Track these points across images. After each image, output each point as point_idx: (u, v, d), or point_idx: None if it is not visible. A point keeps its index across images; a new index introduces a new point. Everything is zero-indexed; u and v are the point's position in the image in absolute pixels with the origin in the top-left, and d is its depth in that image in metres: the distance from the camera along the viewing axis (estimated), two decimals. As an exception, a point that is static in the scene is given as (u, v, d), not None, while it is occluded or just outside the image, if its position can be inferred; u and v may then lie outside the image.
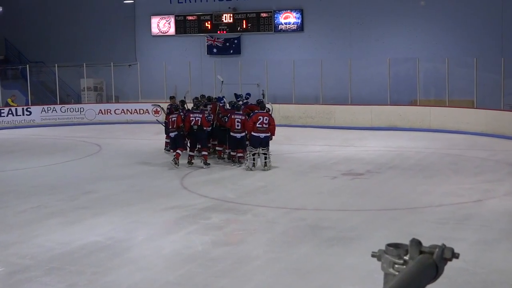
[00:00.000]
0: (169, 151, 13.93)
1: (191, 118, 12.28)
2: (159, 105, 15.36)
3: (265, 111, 11.91)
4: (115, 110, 22.39)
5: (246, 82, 21.07)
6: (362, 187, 10.02)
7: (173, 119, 12.32)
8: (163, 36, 24.63)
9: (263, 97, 19.65)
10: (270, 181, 10.71)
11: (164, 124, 13.39)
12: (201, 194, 9.53)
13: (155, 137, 17.16)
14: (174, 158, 12.10)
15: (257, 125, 11.62)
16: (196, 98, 14.00)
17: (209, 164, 12.21)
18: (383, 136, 17.41)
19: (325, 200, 9.12)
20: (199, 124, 12.19)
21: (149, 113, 21.91)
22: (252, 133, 11.63)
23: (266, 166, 11.71)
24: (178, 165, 11.98)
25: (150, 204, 8.90)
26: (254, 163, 11.70)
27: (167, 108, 14.15)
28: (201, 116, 12.25)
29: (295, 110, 20.17)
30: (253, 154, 11.71)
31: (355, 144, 15.70)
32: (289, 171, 11.69)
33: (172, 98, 14.85)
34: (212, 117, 12.45)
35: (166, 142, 14.39)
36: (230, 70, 22.97)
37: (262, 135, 11.64)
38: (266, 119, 11.66)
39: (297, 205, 8.72)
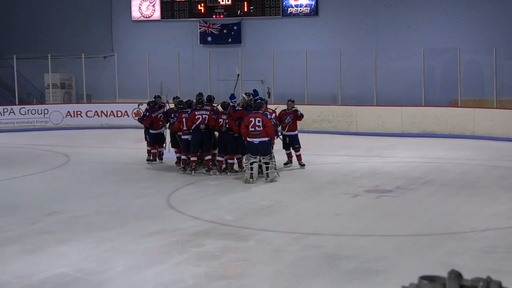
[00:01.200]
0: (150, 161, 14.35)
1: (196, 116, 12.76)
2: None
3: (262, 111, 12.12)
4: (86, 112, 22.55)
5: (248, 78, 21.18)
6: (391, 207, 10.04)
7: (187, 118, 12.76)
8: (146, 21, 24.81)
9: (268, 96, 20.17)
10: (277, 199, 10.74)
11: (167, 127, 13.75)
12: (192, 216, 9.55)
13: (136, 145, 17.16)
14: (190, 167, 12.81)
15: (250, 129, 11.92)
16: (177, 97, 14.37)
17: (213, 169, 12.83)
18: (416, 144, 17.47)
19: (344, 223, 9.14)
20: (206, 122, 12.69)
21: (128, 116, 22.01)
22: (247, 138, 11.93)
23: (268, 177, 11.97)
24: (211, 171, 12.74)
25: (130, 228, 8.92)
26: (252, 173, 11.94)
27: (146, 109, 14.52)
28: (208, 113, 12.74)
29: (308, 113, 19.77)
30: (251, 163, 11.94)
31: (382, 154, 15.78)
32: (301, 187, 11.74)
33: (157, 97, 14.88)
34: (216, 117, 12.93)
35: (148, 150, 14.59)
36: (228, 63, 23.02)
37: (257, 140, 11.92)
38: (258, 121, 11.91)
39: (310, 229, 8.72)
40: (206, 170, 12.90)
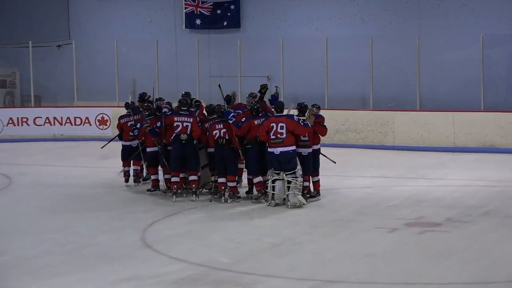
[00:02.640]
0: (139, 182, 14.56)
1: (175, 123, 12.88)
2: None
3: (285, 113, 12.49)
4: (35, 119, 22.48)
5: (249, 74, 21.27)
6: (439, 246, 9.92)
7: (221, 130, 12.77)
8: (114, -1, 24.76)
9: (277, 98, 19.93)
10: (289, 235, 10.63)
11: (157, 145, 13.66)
12: (176, 257, 9.48)
13: (100, 163, 17.24)
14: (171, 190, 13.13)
15: (271, 136, 12.23)
16: (144, 95, 14.83)
17: (196, 194, 13.03)
18: (473, 162, 17.41)
19: (378, 267, 9.04)
20: (188, 132, 12.80)
21: (90, 124, 21.99)
22: (268, 149, 12.39)
23: (288, 201, 12.25)
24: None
25: (92, 273, 8.80)
26: (274, 193, 12.31)
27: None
28: (191, 120, 12.89)
29: (330, 120, 18.73)
30: (274, 181, 12.30)
31: (428, 175, 15.74)
32: (319, 220, 11.68)
33: (159, 100, 14.72)
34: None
35: (125, 171, 14.65)
36: (223, 54, 23.20)
37: (278, 150, 12.20)
38: (281, 127, 12.22)
39: (332, 275, 8.63)
40: (193, 193, 13.06)
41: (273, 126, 12.26)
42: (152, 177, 13.86)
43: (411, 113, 20.10)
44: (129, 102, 14.87)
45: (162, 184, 13.82)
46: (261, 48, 22.51)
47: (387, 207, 12.47)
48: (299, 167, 12.41)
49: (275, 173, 12.34)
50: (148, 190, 13.88)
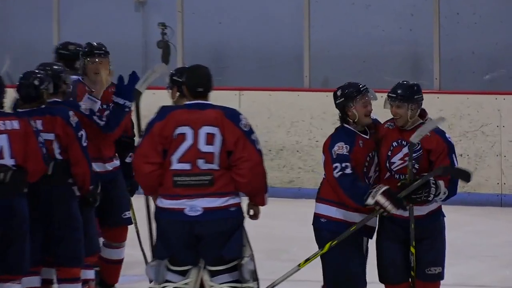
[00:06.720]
0: None
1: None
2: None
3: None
4: None
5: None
6: None
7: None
8: None
9: (166, 52, 20.57)
10: None
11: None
12: None
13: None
14: None
15: (174, 165, 9.95)
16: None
17: None
18: None
19: None
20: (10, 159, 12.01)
21: None
22: (159, 202, 9.79)
23: None
24: None
25: None
26: None
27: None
28: (18, 127, 11.80)
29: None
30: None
31: None
32: None
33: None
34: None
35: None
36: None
37: (196, 205, 10.19)
38: (208, 136, 9.95)
39: None
40: None
41: (184, 135, 9.40)
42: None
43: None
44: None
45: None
46: None
47: None
48: (249, 253, 9.47)
49: (171, 269, 9.57)
50: None
